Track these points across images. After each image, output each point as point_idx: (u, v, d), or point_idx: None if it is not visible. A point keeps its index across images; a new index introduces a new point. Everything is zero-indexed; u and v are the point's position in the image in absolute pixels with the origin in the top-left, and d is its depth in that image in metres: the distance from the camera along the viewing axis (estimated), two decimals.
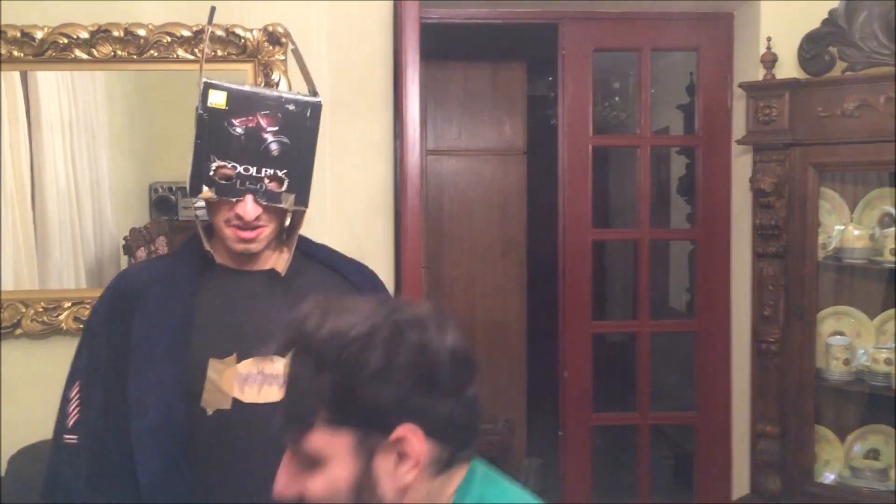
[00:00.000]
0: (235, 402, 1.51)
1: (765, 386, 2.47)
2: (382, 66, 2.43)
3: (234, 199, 1.51)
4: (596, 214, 2.88)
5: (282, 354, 0.96)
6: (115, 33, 2.28)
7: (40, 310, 2.31)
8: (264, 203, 1.52)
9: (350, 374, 0.89)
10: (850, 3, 2.34)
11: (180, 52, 2.30)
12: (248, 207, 1.50)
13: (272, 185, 1.53)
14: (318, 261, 1.69)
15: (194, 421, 1.50)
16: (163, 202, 2.35)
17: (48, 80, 2.31)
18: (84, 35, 2.28)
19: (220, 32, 2.30)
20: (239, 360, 1.53)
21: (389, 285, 2.28)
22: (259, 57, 2.32)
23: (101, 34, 2.28)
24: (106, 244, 2.37)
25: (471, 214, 4.32)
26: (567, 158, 2.81)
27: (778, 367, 2.44)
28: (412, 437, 0.90)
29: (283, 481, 0.96)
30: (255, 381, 1.53)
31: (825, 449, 2.52)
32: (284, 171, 1.54)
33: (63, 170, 2.33)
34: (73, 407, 1.54)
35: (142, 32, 2.29)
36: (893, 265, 2.38)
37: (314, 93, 1.61)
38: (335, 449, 0.91)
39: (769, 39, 2.45)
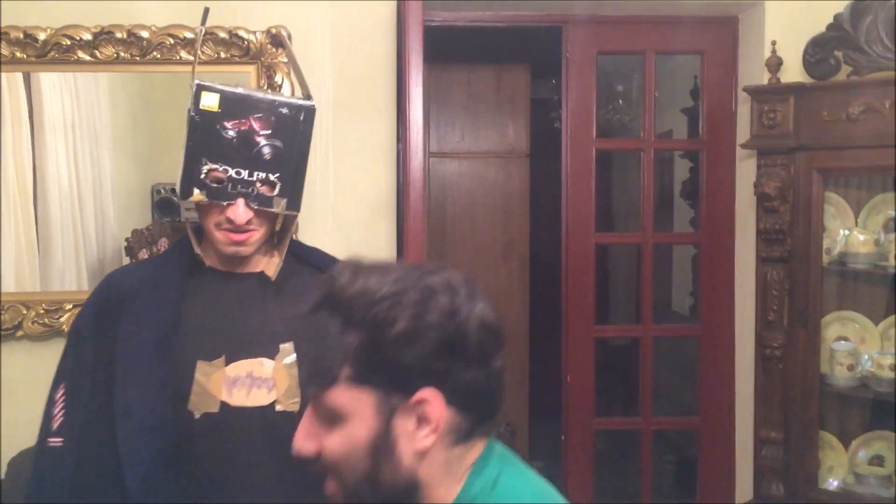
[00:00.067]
0: (223, 405, 1.50)
1: (768, 391, 2.46)
2: (385, 68, 2.43)
3: (225, 203, 1.49)
4: (599, 218, 2.87)
5: (314, 312, 0.95)
6: (118, 35, 2.28)
7: (41, 311, 2.31)
8: (255, 207, 1.51)
9: (376, 332, 0.89)
10: (856, 7, 2.33)
11: (183, 54, 2.30)
12: (240, 211, 1.49)
13: (264, 189, 1.51)
14: (311, 264, 1.68)
15: (181, 424, 1.48)
16: (165, 204, 2.34)
17: (51, 82, 2.31)
18: (87, 37, 2.27)
19: (223, 34, 2.30)
20: (227, 362, 1.51)
21: None
22: (262, 59, 2.31)
23: (103, 36, 2.28)
24: (108, 246, 2.36)
25: (473, 217, 4.32)
26: (570, 161, 2.81)
27: (782, 372, 2.42)
28: (433, 400, 0.90)
29: (303, 437, 0.97)
30: (244, 384, 1.51)
31: (829, 455, 2.51)
32: (277, 174, 1.52)
33: (65, 171, 2.33)
34: (58, 409, 1.52)
35: (145, 34, 2.29)
36: None
37: (308, 96, 1.60)
38: (356, 406, 0.91)
39: (774, 43, 2.45)
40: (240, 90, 1.52)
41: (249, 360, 1.52)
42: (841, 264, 2.49)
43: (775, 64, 2.42)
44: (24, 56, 2.27)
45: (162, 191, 2.34)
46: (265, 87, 2.30)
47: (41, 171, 2.32)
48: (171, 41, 2.29)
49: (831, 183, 2.46)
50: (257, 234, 1.54)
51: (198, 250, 1.57)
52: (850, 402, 2.58)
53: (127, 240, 2.35)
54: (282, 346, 1.55)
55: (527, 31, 3.00)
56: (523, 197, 4.39)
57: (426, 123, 3.77)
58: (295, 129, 1.55)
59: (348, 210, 2.42)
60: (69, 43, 2.27)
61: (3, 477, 2.22)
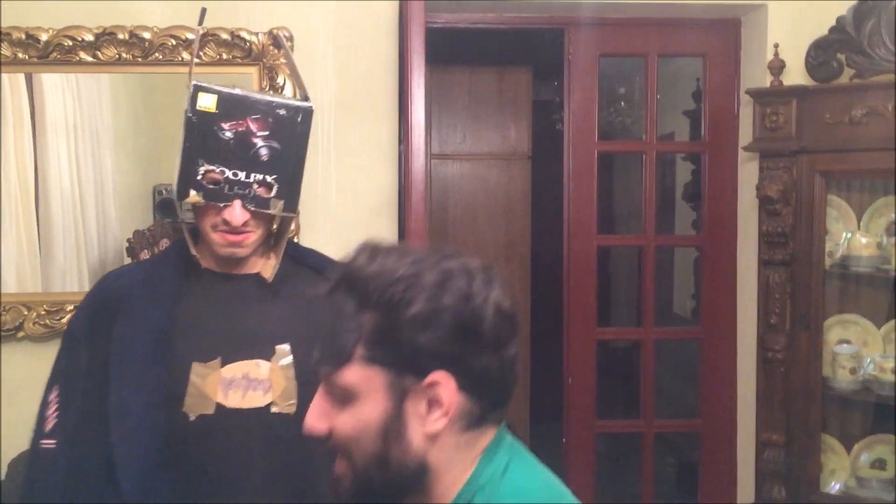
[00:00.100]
0: (219, 406, 1.49)
1: (770, 394, 2.45)
2: (387, 69, 2.43)
3: (222, 204, 1.49)
4: (600, 220, 2.86)
5: (332, 291, 0.95)
6: (120, 36, 2.28)
7: (42, 312, 2.31)
8: (252, 209, 1.50)
9: (392, 313, 0.89)
10: (859, 10, 2.32)
11: (185, 55, 2.29)
12: (236, 213, 1.48)
13: (261, 191, 1.51)
14: (308, 266, 1.68)
15: (176, 426, 1.48)
16: (167, 204, 2.34)
17: (53, 83, 2.31)
18: (89, 37, 2.27)
19: (224, 36, 2.29)
20: (223, 364, 1.51)
21: None
22: (264, 60, 2.31)
23: (105, 37, 2.28)
24: (109, 246, 2.36)
25: (475, 219, 4.32)
26: (572, 164, 2.80)
27: (784, 375, 2.42)
28: (445, 384, 0.90)
29: (315, 415, 0.96)
30: (240, 385, 1.51)
31: (831, 458, 2.50)
32: (274, 176, 1.51)
33: (67, 172, 2.32)
34: (51, 411, 1.52)
35: (147, 35, 2.28)
36: None
37: (305, 98, 1.59)
38: (368, 386, 0.91)
39: (776, 46, 2.44)
40: (237, 91, 1.51)
41: (245, 362, 1.52)
42: (843, 267, 2.48)
43: (778, 66, 2.41)
44: (26, 57, 2.27)
45: (164, 191, 2.34)
46: (267, 89, 2.30)
47: (43, 171, 2.32)
48: (173, 42, 2.29)
49: (834, 186, 2.45)
50: (254, 235, 1.53)
51: (194, 251, 1.57)
52: (852, 405, 2.57)
53: (128, 240, 2.35)
54: (278, 347, 1.54)
55: (529, 33, 3.00)
56: (525, 199, 4.39)
57: (428, 125, 3.77)
58: (292, 130, 1.54)
59: (349, 211, 2.42)
60: (71, 44, 2.27)
61: (3, 478, 2.21)
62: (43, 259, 2.33)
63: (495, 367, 0.93)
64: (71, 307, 2.30)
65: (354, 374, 0.92)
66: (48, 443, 1.50)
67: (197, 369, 1.49)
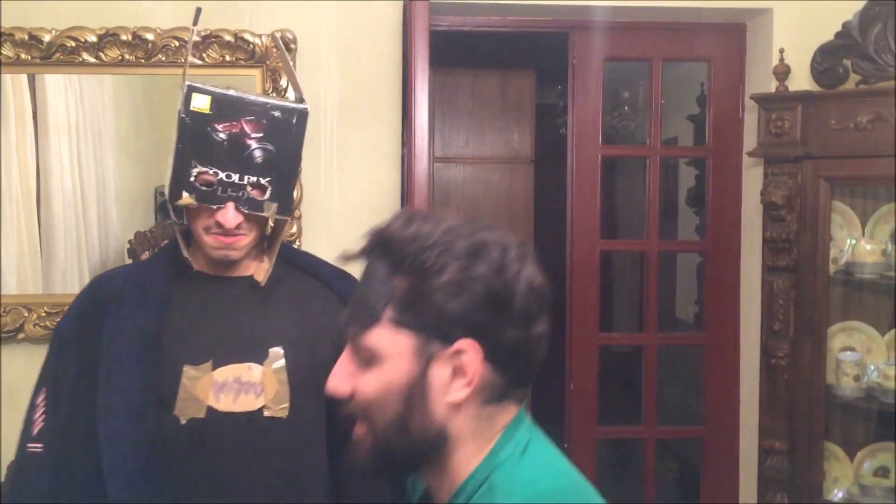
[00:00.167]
0: (210, 410, 1.47)
1: (773, 401, 2.44)
2: (391, 72, 2.42)
3: (215, 207, 1.47)
4: (603, 224, 2.85)
5: (366, 256, 0.96)
6: (123, 37, 2.27)
7: (43, 314, 2.30)
8: (246, 211, 1.48)
9: (423, 278, 0.90)
10: (865, 16, 2.31)
11: (188, 57, 2.28)
12: (229, 215, 1.46)
13: (254, 193, 1.49)
14: (302, 269, 1.66)
15: (167, 429, 1.46)
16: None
17: (56, 83, 2.30)
18: (92, 38, 2.27)
19: (228, 38, 2.29)
20: (215, 367, 1.49)
21: None
22: (267, 62, 2.30)
23: (108, 38, 2.27)
24: (111, 248, 2.35)
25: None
26: (576, 168, 2.79)
27: (787, 382, 2.40)
28: (471, 352, 0.90)
29: (339, 376, 0.96)
30: (232, 389, 1.49)
31: (834, 466, 2.49)
32: (268, 178, 1.50)
33: (69, 173, 2.32)
34: (38, 415, 1.50)
35: (150, 36, 2.28)
36: None
37: (301, 99, 1.58)
38: (395, 348, 0.92)
39: (782, 51, 2.43)
40: (231, 92, 1.49)
41: (237, 365, 1.50)
42: (847, 274, 2.47)
43: (783, 72, 2.40)
44: (29, 58, 2.26)
45: (165, 193, 2.33)
46: (270, 91, 2.30)
47: (45, 172, 2.31)
48: (176, 44, 2.29)
49: (838, 192, 2.44)
50: (247, 238, 1.51)
51: (186, 254, 1.55)
52: (855, 412, 2.56)
53: (130, 242, 2.34)
54: (271, 350, 1.53)
55: (533, 37, 2.99)
56: (528, 203, 4.37)
57: (431, 128, 3.77)
58: (287, 132, 1.52)
59: (352, 214, 2.41)
60: (74, 45, 2.26)
61: (2, 479, 2.20)
62: (44, 260, 2.32)
63: (522, 342, 0.93)
64: None
65: (382, 336, 0.92)
66: (35, 447, 1.49)
67: (188, 372, 1.48)
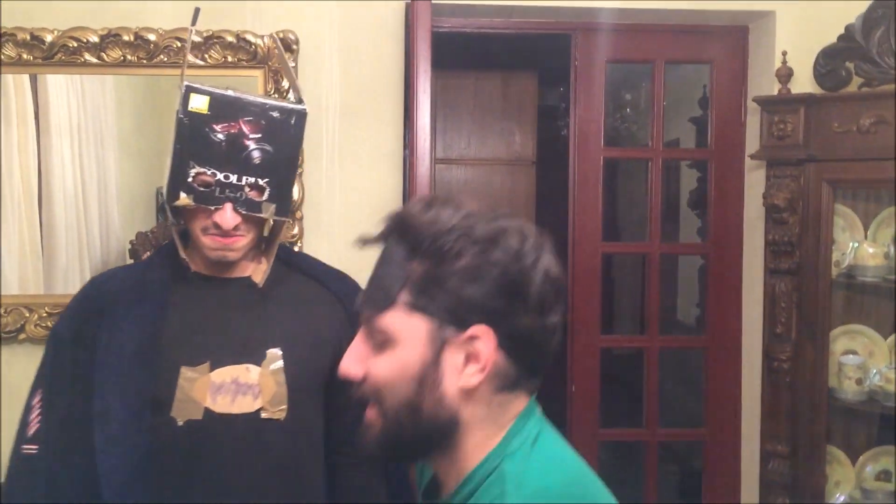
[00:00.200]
0: (207, 412, 1.47)
1: (775, 404, 2.43)
2: (393, 74, 2.42)
3: (213, 208, 1.47)
4: (604, 227, 2.84)
5: (384, 239, 0.96)
6: (125, 37, 2.27)
7: (44, 315, 2.29)
8: (244, 212, 1.48)
9: (440, 262, 0.90)
10: (868, 18, 2.31)
11: (190, 58, 2.28)
12: (227, 216, 1.46)
13: (252, 194, 1.49)
14: (300, 271, 1.66)
15: (163, 431, 1.45)
16: None
17: (57, 84, 2.30)
18: (94, 39, 2.27)
19: (230, 38, 2.29)
20: (212, 368, 1.48)
21: None
22: (269, 63, 2.30)
23: (110, 38, 2.27)
24: (112, 248, 2.35)
25: None
26: (577, 170, 2.79)
27: (789, 385, 2.40)
28: (485, 339, 0.90)
29: (352, 359, 0.96)
30: (229, 390, 1.48)
31: (836, 470, 2.48)
32: (266, 179, 1.49)
33: (70, 173, 2.32)
34: (33, 416, 1.50)
35: (152, 37, 2.28)
36: None
37: (300, 100, 1.57)
38: (410, 332, 0.92)
39: (784, 54, 2.43)
40: (229, 92, 1.49)
41: (235, 366, 1.50)
42: (850, 277, 2.46)
43: (785, 74, 2.40)
44: (31, 58, 2.26)
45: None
46: (272, 92, 2.29)
47: (46, 172, 2.31)
48: (178, 44, 2.28)
49: (841, 195, 2.43)
50: (245, 239, 1.51)
51: (183, 255, 1.55)
52: (857, 416, 2.55)
53: (131, 242, 2.34)
54: (269, 352, 1.53)
55: (535, 39, 2.98)
56: (529, 204, 4.37)
57: (433, 129, 3.76)
58: (286, 133, 1.51)
59: (353, 216, 2.41)
60: (76, 45, 2.26)
61: (3, 479, 2.20)
62: (45, 260, 2.32)
63: (537, 331, 0.93)
64: None
65: (396, 319, 0.92)
66: (30, 448, 1.48)
67: (185, 373, 1.47)
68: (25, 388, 2.27)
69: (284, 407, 1.51)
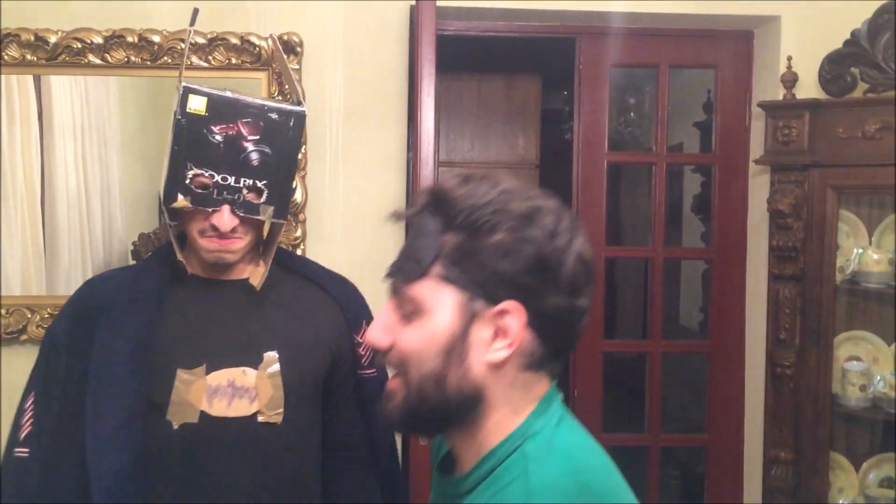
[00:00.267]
0: (203, 415, 1.46)
1: (779, 410, 2.42)
2: (397, 76, 2.42)
3: (211, 209, 1.45)
4: (608, 231, 2.84)
5: (420, 212, 0.95)
6: (130, 39, 2.27)
7: (46, 316, 2.29)
8: (241, 214, 1.47)
9: (474, 236, 0.90)
10: (874, 24, 2.30)
11: (194, 59, 2.28)
12: (225, 218, 1.45)
13: (251, 196, 1.47)
14: (298, 274, 1.65)
15: (159, 435, 1.44)
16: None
17: (61, 85, 2.30)
18: (98, 40, 2.26)
19: (234, 40, 2.28)
20: (208, 371, 1.47)
21: None
22: (273, 65, 2.30)
23: (115, 39, 2.27)
24: (115, 249, 2.35)
25: None
26: (581, 174, 2.78)
27: (793, 391, 2.39)
28: (515, 314, 0.90)
29: (379, 328, 0.96)
30: (225, 393, 1.47)
31: (839, 476, 2.47)
32: (264, 181, 1.48)
33: (73, 174, 2.32)
34: (26, 419, 1.48)
35: (156, 39, 2.27)
36: None
37: (299, 102, 1.56)
38: (440, 302, 0.92)
39: (790, 59, 2.42)
40: (227, 94, 1.48)
41: (231, 369, 1.48)
42: (854, 283, 2.46)
43: (791, 79, 2.39)
44: (35, 59, 2.26)
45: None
46: (276, 95, 2.29)
47: (49, 173, 2.31)
48: (183, 46, 2.28)
49: (845, 201, 2.43)
50: (242, 241, 1.50)
51: (180, 257, 1.53)
52: (861, 423, 2.54)
53: (134, 244, 2.34)
54: (266, 355, 1.51)
55: (539, 42, 2.98)
56: None
57: (436, 132, 3.76)
58: (284, 135, 1.50)
59: (356, 219, 2.41)
60: (80, 46, 2.26)
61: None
62: (47, 261, 2.32)
63: (566, 311, 0.92)
64: None
65: (427, 290, 0.92)
66: (21, 451, 1.47)
67: (181, 376, 1.46)
68: None
69: (281, 411, 1.50)
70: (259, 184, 1.48)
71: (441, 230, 0.92)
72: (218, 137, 1.45)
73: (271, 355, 1.51)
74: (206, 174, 1.45)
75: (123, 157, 2.34)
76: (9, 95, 2.28)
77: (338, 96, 2.39)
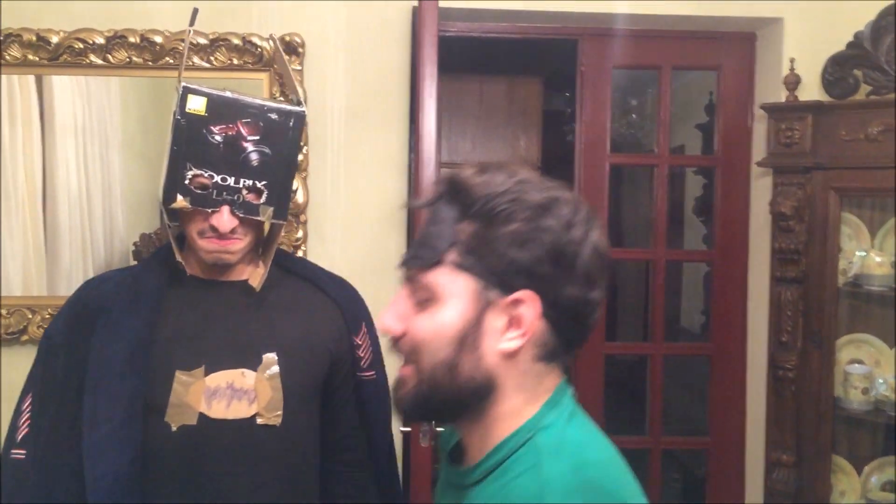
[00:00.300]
0: (202, 417, 1.45)
1: (780, 413, 2.42)
2: (399, 77, 2.41)
3: (210, 210, 1.45)
4: (609, 233, 2.83)
5: (436, 200, 0.95)
6: (132, 39, 2.27)
7: (47, 316, 2.29)
8: (241, 215, 1.46)
9: (491, 224, 0.90)
10: (877, 27, 2.30)
11: (196, 60, 2.28)
12: (224, 219, 1.44)
13: (250, 197, 1.47)
14: (298, 275, 1.64)
15: (157, 437, 1.43)
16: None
17: (63, 85, 2.30)
18: (100, 40, 2.26)
19: (236, 41, 2.28)
20: (207, 373, 1.46)
21: None
22: (275, 66, 2.30)
23: (116, 40, 2.27)
24: (116, 250, 2.35)
25: None
26: (583, 176, 2.78)
27: (794, 394, 2.39)
28: (530, 304, 0.90)
29: (393, 315, 0.96)
30: (224, 395, 1.46)
31: (841, 480, 2.47)
32: (264, 182, 1.47)
33: (75, 174, 2.31)
34: (23, 420, 1.47)
35: (158, 39, 2.27)
36: None
37: (298, 102, 1.55)
38: (454, 290, 0.91)
39: (792, 61, 2.42)
40: (227, 94, 1.47)
41: (230, 371, 1.48)
42: (856, 286, 2.45)
43: (793, 82, 2.39)
44: (37, 59, 2.26)
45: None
46: (278, 95, 2.29)
47: (50, 173, 2.31)
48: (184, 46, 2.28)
49: (847, 203, 2.42)
50: (242, 242, 1.49)
51: (179, 258, 1.53)
52: (863, 426, 2.53)
53: (135, 244, 2.34)
54: (265, 356, 1.51)
55: (541, 43, 2.97)
56: None
57: (438, 133, 3.75)
58: (284, 135, 1.50)
59: (358, 220, 2.40)
60: (82, 46, 2.26)
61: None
62: (49, 262, 2.31)
63: (580, 303, 0.92)
64: None
65: (442, 277, 0.92)
66: (18, 453, 1.46)
67: (180, 378, 1.45)
68: None
69: (280, 413, 1.49)
70: (259, 184, 1.47)
71: (457, 218, 0.92)
72: (217, 138, 1.45)
73: (270, 357, 1.51)
74: (206, 174, 1.44)
75: (125, 158, 2.34)
76: (10, 95, 2.28)
77: (339, 97, 2.39)
